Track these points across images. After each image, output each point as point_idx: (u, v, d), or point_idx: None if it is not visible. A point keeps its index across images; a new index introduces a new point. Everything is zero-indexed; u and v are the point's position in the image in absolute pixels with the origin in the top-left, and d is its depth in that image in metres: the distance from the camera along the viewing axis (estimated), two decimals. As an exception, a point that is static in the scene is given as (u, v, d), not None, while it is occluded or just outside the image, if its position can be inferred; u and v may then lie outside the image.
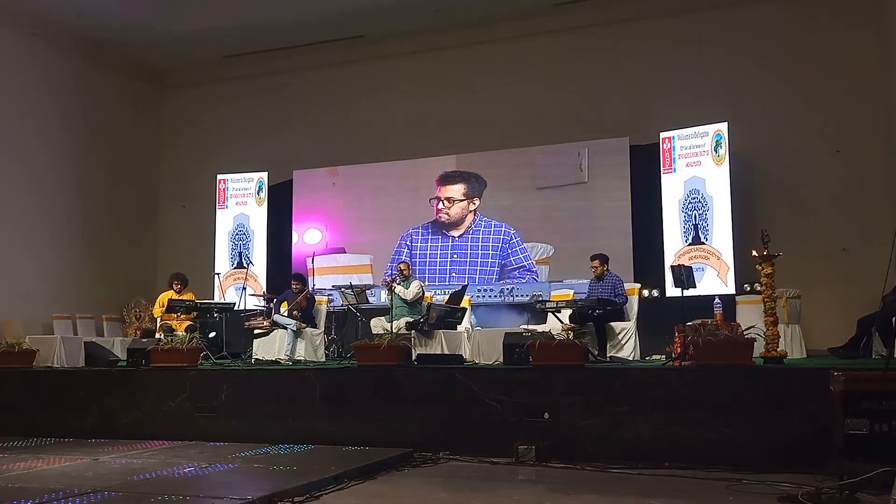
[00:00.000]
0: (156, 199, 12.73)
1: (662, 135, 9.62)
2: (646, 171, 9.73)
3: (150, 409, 6.97)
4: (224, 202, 11.61)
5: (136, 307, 11.51)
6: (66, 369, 7.98)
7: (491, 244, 10.56)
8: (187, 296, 9.08)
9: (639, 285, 8.21)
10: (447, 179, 10.85)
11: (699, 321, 6.22)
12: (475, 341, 7.63)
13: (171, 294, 9.06)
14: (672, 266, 7.79)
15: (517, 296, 10.16)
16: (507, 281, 10.35)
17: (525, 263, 10.35)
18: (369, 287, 9.88)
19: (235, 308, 9.19)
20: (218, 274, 10.92)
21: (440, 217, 10.78)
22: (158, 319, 9.16)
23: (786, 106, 9.44)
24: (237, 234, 11.53)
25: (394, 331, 7.49)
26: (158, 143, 12.85)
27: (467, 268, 10.60)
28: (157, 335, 8.47)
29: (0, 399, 7.47)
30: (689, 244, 9.24)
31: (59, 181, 11.07)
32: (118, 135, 12.04)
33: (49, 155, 10.95)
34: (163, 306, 8.97)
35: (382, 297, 10.02)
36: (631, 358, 7.36)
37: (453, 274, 10.61)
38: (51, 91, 11.02)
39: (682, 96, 9.81)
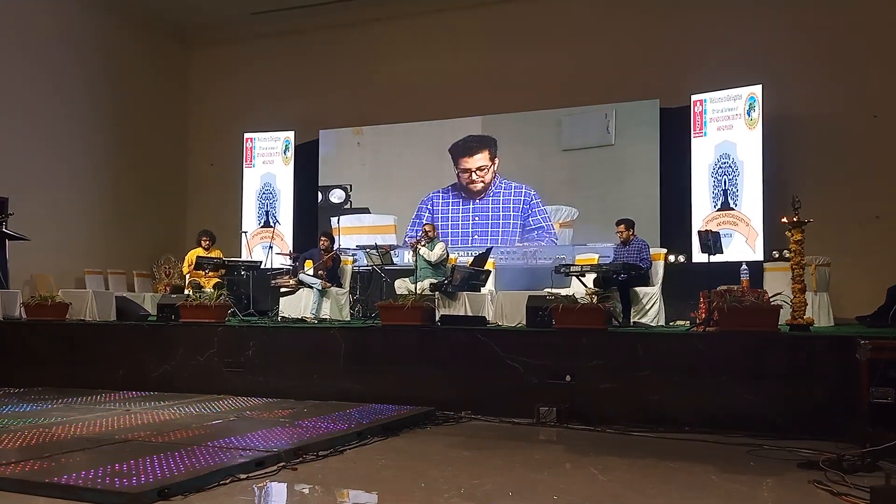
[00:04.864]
0: (184, 157, 12.84)
1: (694, 97, 9.44)
2: (675, 134, 9.58)
3: (179, 364, 7.14)
4: (251, 161, 11.68)
5: (165, 263, 11.71)
6: (98, 323, 8.17)
7: (512, 205, 10.53)
8: (215, 253, 9.21)
9: (665, 250, 8.15)
10: (470, 150, 10.78)
11: (725, 287, 6.17)
12: (498, 303, 7.66)
13: (199, 251, 9.19)
14: (699, 231, 7.70)
15: (540, 258, 10.15)
16: (530, 244, 10.34)
17: (544, 224, 10.32)
18: (394, 248, 9.93)
19: (262, 266, 9.30)
20: (245, 232, 11.04)
21: (475, 186, 10.74)
22: (187, 276, 9.31)
23: (822, 69, 9.18)
24: (264, 192, 11.62)
25: (418, 292, 7.55)
26: (186, 100, 12.91)
27: (489, 230, 10.60)
28: (186, 291, 8.62)
29: (34, 351, 7.68)
30: (718, 210, 9.13)
31: (90, 138, 11.20)
32: (146, 93, 12.11)
33: (79, 113, 11.07)
34: (191, 264, 9.11)
35: (406, 257, 10.08)
36: (655, 324, 7.35)
37: (475, 236, 10.62)
38: (78, 49, 11.08)
39: (716, 58, 9.58)
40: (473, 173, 10.75)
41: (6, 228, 8.67)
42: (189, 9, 11.71)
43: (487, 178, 10.72)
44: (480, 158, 10.76)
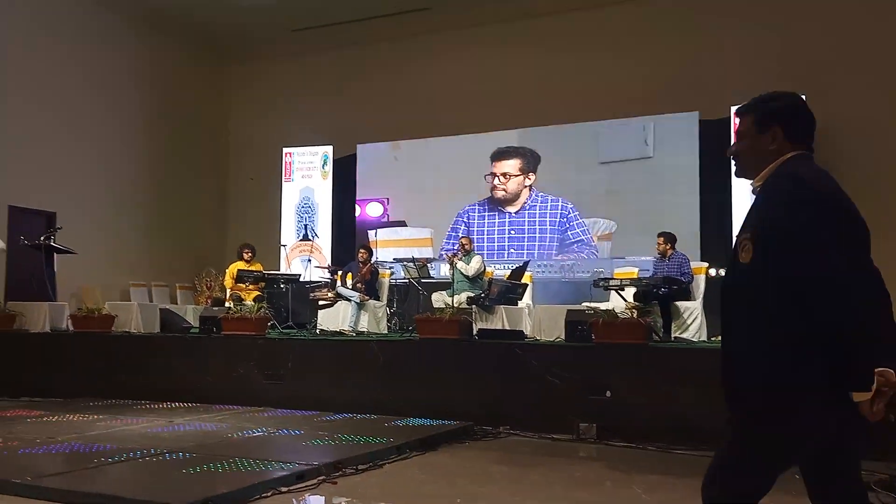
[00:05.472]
0: (225, 171, 13.08)
1: (734, 109, 9.30)
2: (716, 146, 9.44)
3: (220, 375, 7.23)
4: (290, 175, 11.84)
5: (206, 276, 11.90)
6: (143, 335, 8.33)
7: (549, 219, 10.49)
8: (255, 266, 9.34)
9: (706, 264, 8.03)
10: (502, 155, 10.82)
11: (769, 302, 6.02)
12: (536, 317, 7.61)
13: (240, 265, 9.33)
14: (741, 244, 7.56)
15: (578, 272, 10.08)
16: (568, 257, 10.27)
17: (584, 237, 10.25)
18: (431, 261, 9.97)
19: (301, 279, 9.39)
20: (284, 246, 11.18)
21: (496, 193, 10.76)
22: (228, 289, 9.45)
23: (865, 78, 8.98)
24: (303, 206, 11.76)
25: (455, 305, 7.54)
26: (227, 116, 13.17)
27: (525, 243, 10.57)
28: (227, 304, 8.74)
29: (81, 361, 7.85)
30: (760, 223, 8.95)
31: (136, 154, 11.50)
32: (189, 109, 12.40)
33: (125, 129, 11.38)
34: (233, 277, 9.24)
35: (443, 270, 10.09)
36: (697, 339, 7.23)
37: (511, 250, 10.60)
38: (124, 65, 11.40)
39: (756, 69, 9.43)
40: (497, 178, 10.76)
41: (55, 242, 8.91)
42: (231, 27, 11.96)
43: (510, 187, 10.69)
44: (509, 165, 10.76)
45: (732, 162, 2.12)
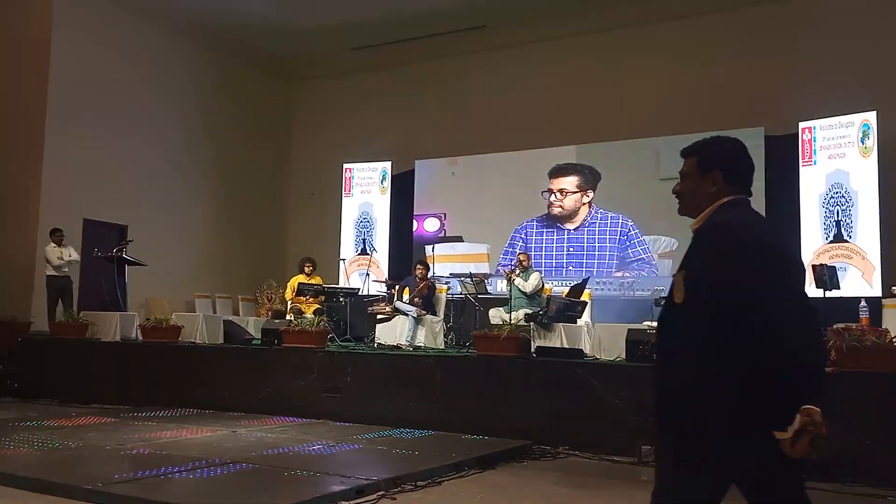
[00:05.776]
0: (287, 186, 13.38)
1: (802, 125, 9.05)
2: (782, 163, 9.19)
3: (281, 387, 7.35)
4: (350, 191, 12.03)
5: (267, 289, 12.15)
6: (207, 345, 8.54)
7: (608, 236, 10.35)
8: (316, 280, 9.48)
9: (772, 284, 7.77)
10: (559, 171, 10.77)
11: (843, 325, 5.81)
12: (596, 336, 7.50)
13: (301, 278, 9.49)
14: (813, 265, 7.32)
15: (638, 290, 9.90)
16: (627, 275, 10.11)
17: (644, 256, 10.08)
18: (488, 276, 9.95)
19: (359, 293, 9.49)
20: (343, 260, 11.33)
21: (553, 210, 10.69)
22: (289, 302, 9.62)
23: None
24: (361, 221, 11.92)
25: (513, 322, 7.50)
26: (289, 133, 13.49)
27: (584, 261, 10.45)
28: (288, 316, 8.90)
29: (149, 371, 8.10)
30: (830, 242, 8.66)
31: (201, 171, 11.88)
32: (253, 126, 12.75)
33: (193, 147, 11.77)
34: (293, 289, 9.40)
35: (499, 286, 10.06)
36: (762, 360, 6.99)
37: (570, 267, 10.49)
38: (193, 86, 11.82)
39: (826, 83, 9.17)
40: (554, 194, 10.70)
41: (126, 254, 9.24)
42: (293, 47, 12.27)
43: (566, 203, 10.61)
44: (566, 182, 10.69)
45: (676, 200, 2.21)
